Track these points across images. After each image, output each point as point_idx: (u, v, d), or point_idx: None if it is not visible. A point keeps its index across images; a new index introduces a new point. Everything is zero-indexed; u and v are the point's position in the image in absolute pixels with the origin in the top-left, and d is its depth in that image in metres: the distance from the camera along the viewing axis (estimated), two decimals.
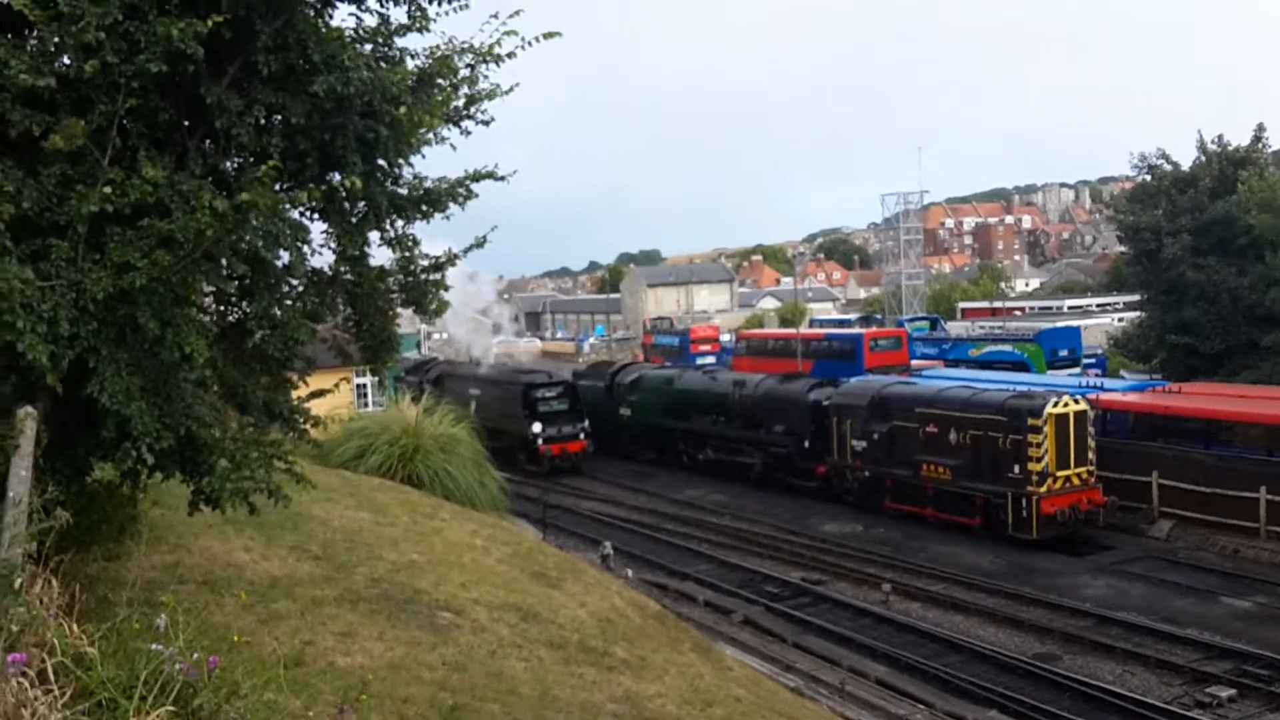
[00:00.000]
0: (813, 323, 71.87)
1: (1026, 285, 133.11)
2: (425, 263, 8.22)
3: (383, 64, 7.16)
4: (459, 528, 15.67)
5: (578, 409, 38.00)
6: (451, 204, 8.02)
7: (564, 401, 37.74)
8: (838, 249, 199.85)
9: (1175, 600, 21.71)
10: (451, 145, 7.79)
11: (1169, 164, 41.80)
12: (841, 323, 73.36)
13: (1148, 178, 42.36)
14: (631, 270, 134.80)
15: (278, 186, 6.75)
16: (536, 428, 36.66)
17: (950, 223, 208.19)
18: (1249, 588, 22.28)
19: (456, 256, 8.41)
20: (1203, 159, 41.18)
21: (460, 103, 7.80)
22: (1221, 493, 25.33)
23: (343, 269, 7.84)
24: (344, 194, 7.16)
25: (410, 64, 7.42)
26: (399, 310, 8.64)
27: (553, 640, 10.96)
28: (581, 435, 37.54)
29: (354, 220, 7.59)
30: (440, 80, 7.62)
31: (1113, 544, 25.73)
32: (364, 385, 32.83)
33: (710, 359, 56.87)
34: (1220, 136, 41.49)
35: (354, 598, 10.35)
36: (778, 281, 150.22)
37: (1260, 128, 41.67)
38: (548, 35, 7.46)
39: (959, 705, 16.78)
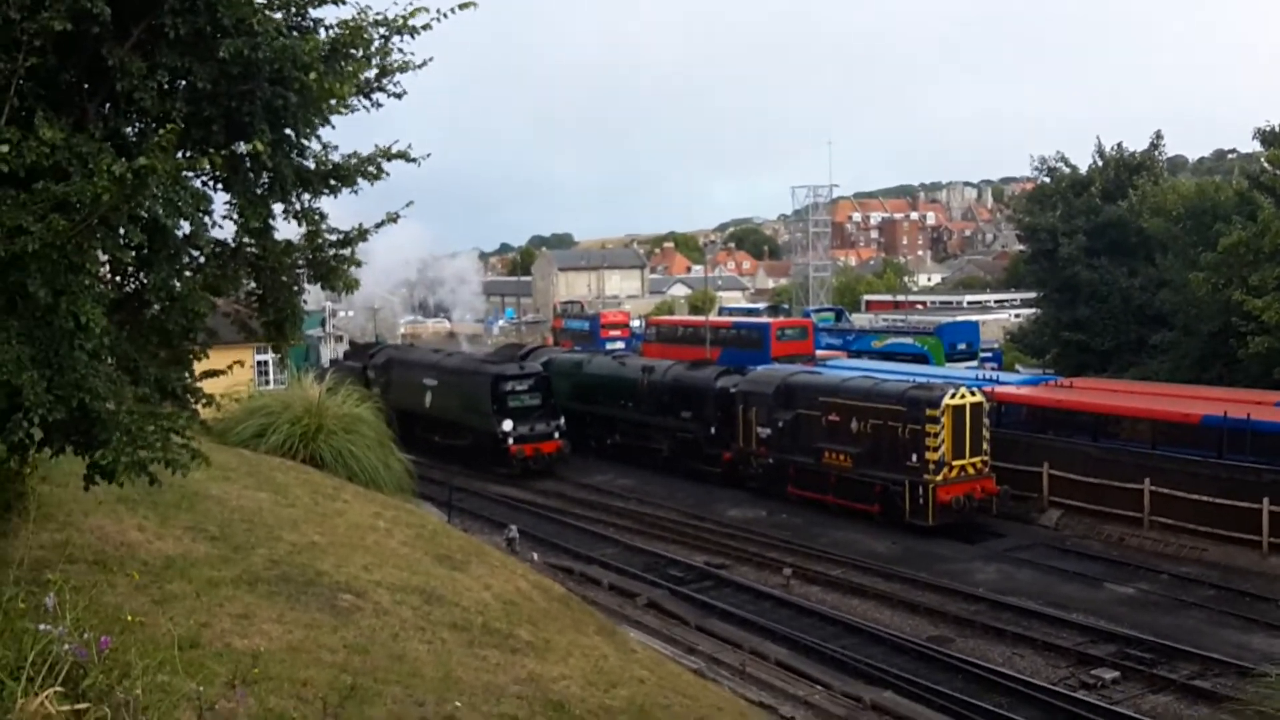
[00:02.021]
0: (722, 311, 72.40)
1: (929, 280, 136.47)
2: (334, 238, 8.06)
3: (294, 33, 6.98)
4: (362, 509, 15.42)
5: (551, 403, 34.28)
6: (361, 180, 7.88)
7: (536, 395, 33.80)
8: (748, 239, 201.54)
9: (1062, 586, 22.52)
10: (366, 109, 7.65)
11: (1067, 167, 43.10)
12: (750, 311, 74.09)
13: (1047, 180, 43.64)
14: (543, 253, 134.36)
15: (180, 153, 6.54)
16: (506, 425, 32.82)
17: (857, 217, 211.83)
18: (1132, 574, 23.23)
19: (367, 232, 8.27)
20: (1098, 163, 42.57)
21: (372, 74, 7.66)
22: (1108, 484, 26.34)
23: (246, 241, 7.64)
24: (248, 162, 6.96)
25: (323, 34, 7.25)
26: (305, 286, 8.45)
27: (456, 623, 10.88)
28: (556, 434, 33.84)
29: (258, 191, 7.40)
30: (353, 50, 7.46)
31: (1005, 531, 26.61)
32: (264, 362, 32.04)
33: (620, 344, 56.92)
34: (1120, 144, 42.96)
35: (252, 579, 10.12)
36: (689, 269, 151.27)
37: (1158, 135, 43.27)
38: (463, 6, 7.36)
39: (856, 686, 17.12)
